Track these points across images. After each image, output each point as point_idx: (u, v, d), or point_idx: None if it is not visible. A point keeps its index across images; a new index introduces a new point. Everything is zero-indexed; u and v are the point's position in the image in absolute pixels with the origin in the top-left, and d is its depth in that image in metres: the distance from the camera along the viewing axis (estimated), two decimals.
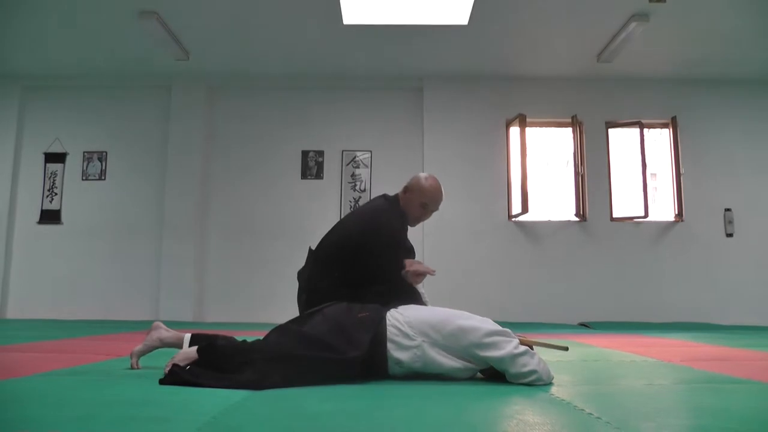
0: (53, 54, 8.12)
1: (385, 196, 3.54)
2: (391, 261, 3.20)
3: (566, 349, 2.84)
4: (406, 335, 2.58)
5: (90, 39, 7.65)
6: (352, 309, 2.69)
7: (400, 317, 2.63)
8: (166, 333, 2.79)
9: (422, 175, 3.53)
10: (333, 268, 3.27)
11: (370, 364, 2.53)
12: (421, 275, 3.28)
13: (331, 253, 3.32)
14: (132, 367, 2.84)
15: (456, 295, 8.02)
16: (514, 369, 2.49)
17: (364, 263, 3.20)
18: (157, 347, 2.81)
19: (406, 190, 3.44)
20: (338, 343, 2.49)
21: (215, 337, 2.62)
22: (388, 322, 2.61)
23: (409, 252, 3.44)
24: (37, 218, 8.67)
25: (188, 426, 1.70)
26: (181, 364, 2.45)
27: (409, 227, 3.52)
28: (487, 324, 2.58)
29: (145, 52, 7.97)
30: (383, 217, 3.29)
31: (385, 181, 8.55)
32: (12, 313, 8.42)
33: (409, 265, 3.21)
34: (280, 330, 2.62)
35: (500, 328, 2.56)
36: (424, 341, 2.57)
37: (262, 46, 7.75)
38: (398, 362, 2.58)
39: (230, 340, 2.57)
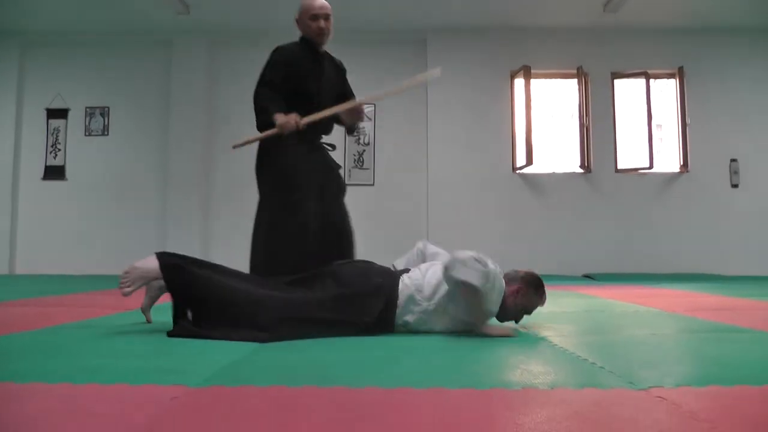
0: (53, 9, 8.01)
1: None
2: (259, 79, 3.34)
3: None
4: (416, 301, 2.63)
5: None
6: (368, 274, 2.71)
7: (410, 283, 2.66)
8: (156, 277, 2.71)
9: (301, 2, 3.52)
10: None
11: (378, 325, 2.60)
12: (359, 113, 3.57)
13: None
14: (148, 322, 2.86)
15: (461, 246, 8.05)
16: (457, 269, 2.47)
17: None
18: (160, 294, 2.82)
19: (297, 22, 3.47)
20: (352, 309, 2.57)
21: (188, 262, 2.63)
22: (399, 288, 2.64)
23: (305, 80, 3.40)
24: (42, 174, 8.68)
25: (197, 376, 1.73)
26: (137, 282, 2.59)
27: (318, 47, 3.49)
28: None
29: (146, 7, 7.86)
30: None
31: (388, 134, 8.52)
32: (20, 268, 8.49)
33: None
34: (287, 287, 2.65)
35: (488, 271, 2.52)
36: (429, 306, 2.61)
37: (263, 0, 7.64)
38: (405, 324, 2.64)
39: (207, 275, 2.58)
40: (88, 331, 2.70)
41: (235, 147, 3.26)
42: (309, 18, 3.38)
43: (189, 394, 1.53)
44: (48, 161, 8.69)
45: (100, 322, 3.08)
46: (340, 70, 3.67)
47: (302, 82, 3.34)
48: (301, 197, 3.22)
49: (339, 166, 3.57)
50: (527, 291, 2.69)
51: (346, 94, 3.66)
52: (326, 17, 3.40)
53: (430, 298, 2.62)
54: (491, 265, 2.55)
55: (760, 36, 8.50)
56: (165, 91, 8.63)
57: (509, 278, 2.72)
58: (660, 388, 1.60)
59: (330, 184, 3.42)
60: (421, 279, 2.68)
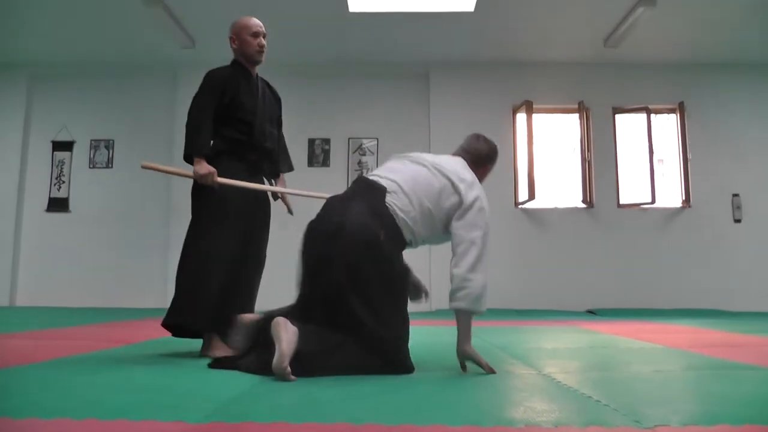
0: (60, 42, 8.11)
1: None
2: (193, 105, 3.22)
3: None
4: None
5: (97, 27, 7.63)
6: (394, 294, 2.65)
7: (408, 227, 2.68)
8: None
9: (233, 22, 3.51)
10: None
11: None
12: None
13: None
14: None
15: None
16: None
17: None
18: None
19: (232, 39, 3.44)
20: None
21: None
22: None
23: (246, 108, 3.33)
24: (45, 206, 8.70)
25: (197, 412, 1.71)
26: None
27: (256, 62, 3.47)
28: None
29: (151, 40, 7.95)
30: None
31: None
32: (21, 300, 8.46)
33: None
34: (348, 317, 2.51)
35: None
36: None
37: (269, 34, 7.70)
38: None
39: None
40: (88, 365, 2.68)
41: (144, 167, 3.22)
42: (250, 35, 3.38)
43: (189, 431, 1.51)
44: (52, 193, 8.71)
45: (100, 355, 3.06)
46: (275, 94, 3.64)
47: (239, 105, 3.28)
48: (232, 222, 3.20)
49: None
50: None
51: (280, 119, 3.68)
52: (264, 35, 3.44)
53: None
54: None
55: (761, 71, 8.56)
56: (169, 124, 8.68)
57: (473, 160, 2.98)
58: (666, 427, 1.58)
59: (260, 213, 3.39)
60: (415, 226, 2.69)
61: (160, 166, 3.27)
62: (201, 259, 3.14)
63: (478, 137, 3.07)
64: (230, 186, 3.16)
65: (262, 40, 3.41)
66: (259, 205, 3.38)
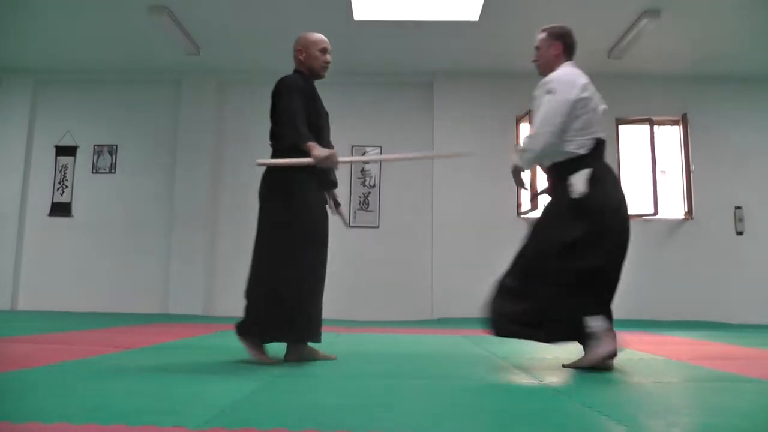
0: (65, 48, 8.14)
1: None
2: (285, 103, 3.20)
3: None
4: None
5: (101, 33, 7.66)
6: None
7: None
8: None
9: (301, 35, 3.53)
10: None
11: None
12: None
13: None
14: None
15: (465, 290, 8.03)
16: None
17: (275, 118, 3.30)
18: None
19: (300, 51, 3.46)
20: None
21: None
22: None
23: (319, 116, 3.38)
24: (48, 210, 8.71)
25: (196, 418, 1.71)
26: None
27: (316, 80, 3.51)
28: None
29: (156, 47, 7.98)
30: (279, 79, 3.34)
31: (394, 177, 8.55)
32: (23, 304, 8.47)
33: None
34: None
35: None
36: None
37: (273, 41, 7.74)
38: None
39: None
40: (88, 370, 2.68)
41: (259, 164, 3.21)
42: (319, 50, 3.42)
43: None
44: (55, 198, 8.73)
45: (100, 360, 3.06)
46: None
47: (313, 111, 3.32)
48: (321, 233, 3.23)
49: None
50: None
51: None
52: (330, 52, 3.46)
53: None
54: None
55: (765, 84, 8.56)
56: (173, 130, 8.71)
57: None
58: None
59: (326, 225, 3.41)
60: None
61: (276, 161, 3.19)
62: (308, 272, 3.12)
63: None
64: (314, 194, 3.24)
65: (329, 56, 3.45)
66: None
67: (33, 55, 8.36)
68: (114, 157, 8.78)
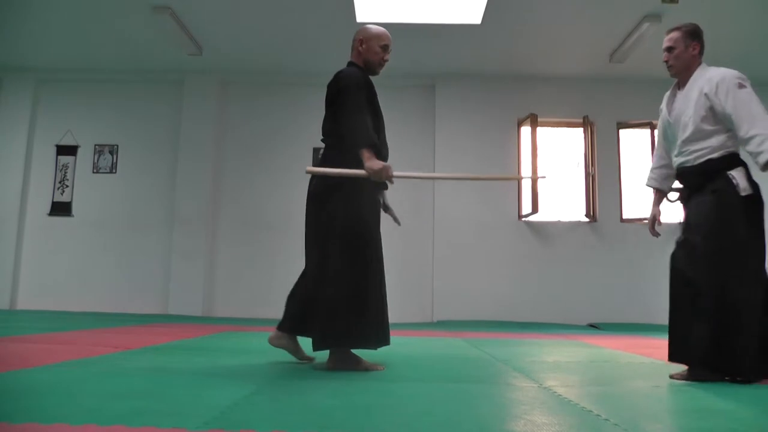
0: (67, 47, 8.14)
1: None
2: (353, 101, 3.06)
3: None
4: None
5: (103, 33, 7.67)
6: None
7: None
8: None
9: (367, 26, 3.39)
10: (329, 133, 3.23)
11: None
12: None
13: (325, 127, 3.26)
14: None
15: (465, 292, 8.04)
16: None
17: (335, 114, 3.15)
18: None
19: (361, 42, 3.31)
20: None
21: None
22: None
23: (377, 116, 3.23)
24: (48, 210, 8.71)
25: (196, 419, 1.71)
26: None
27: (374, 77, 3.33)
28: None
29: (158, 47, 7.99)
30: (340, 72, 3.21)
31: (395, 180, 8.52)
32: (22, 303, 8.46)
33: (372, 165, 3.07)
34: None
35: None
36: None
37: (275, 43, 7.75)
38: None
39: None
40: (87, 370, 2.68)
41: (308, 172, 3.15)
42: (380, 46, 3.28)
43: None
44: (55, 197, 8.72)
45: (99, 360, 3.06)
46: None
47: (372, 115, 3.16)
48: (377, 235, 3.15)
49: None
50: None
51: None
52: (390, 51, 3.34)
53: None
54: None
55: (764, 89, 8.54)
56: (175, 131, 8.71)
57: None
58: None
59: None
60: None
61: (326, 170, 3.04)
62: (379, 282, 3.04)
63: None
64: (375, 200, 3.17)
65: (388, 55, 3.32)
66: None
67: (34, 54, 8.37)
68: (115, 156, 8.78)
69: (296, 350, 3.20)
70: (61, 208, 8.69)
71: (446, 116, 8.59)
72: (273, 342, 3.18)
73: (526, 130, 8.47)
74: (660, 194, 3.53)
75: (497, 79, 8.62)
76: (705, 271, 2.93)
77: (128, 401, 1.98)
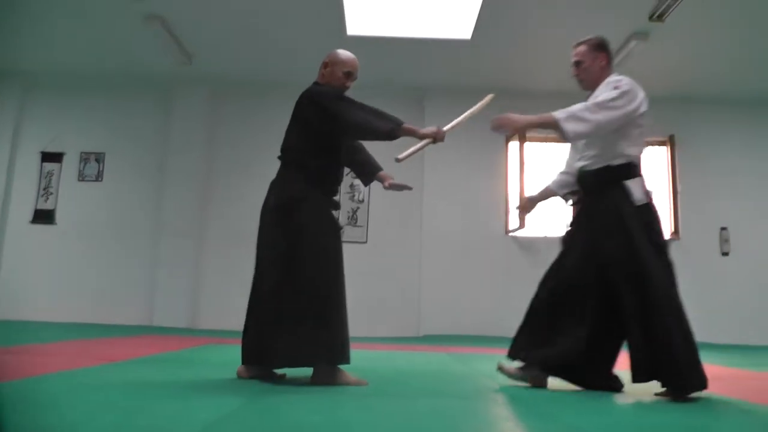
0: (55, 53, 8.09)
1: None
2: (339, 103, 3.16)
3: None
4: None
5: (94, 39, 7.63)
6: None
7: None
8: None
9: (337, 50, 3.47)
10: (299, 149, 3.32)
11: None
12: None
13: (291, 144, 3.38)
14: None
15: (452, 307, 8.03)
16: None
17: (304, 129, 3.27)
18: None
19: (326, 65, 3.39)
20: None
21: None
22: None
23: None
24: (30, 217, 8.61)
25: None
26: None
27: None
28: None
29: (148, 55, 7.95)
30: (309, 89, 3.31)
31: (383, 192, 8.53)
32: (2, 314, 8.33)
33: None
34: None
35: None
36: None
37: (265, 53, 7.75)
38: None
39: None
40: (69, 383, 2.64)
41: (399, 161, 3.17)
42: (344, 72, 3.35)
43: None
44: (38, 204, 8.63)
45: (82, 373, 3.02)
46: None
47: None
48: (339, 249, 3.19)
49: None
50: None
51: None
52: (354, 79, 3.38)
53: None
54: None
55: (751, 106, 8.65)
56: (162, 140, 8.66)
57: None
58: None
59: None
60: None
61: (411, 150, 3.27)
62: (342, 296, 3.11)
63: None
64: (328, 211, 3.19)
65: (350, 83, 3.37)
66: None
67: (22, 59, 8.31)
68: (101, 165, 8.72)
69: (267, 374, 3.08)
70: (43, 216, 8.60)
71: None
72: (243, 375, 3.07)
73: (514, 146, 8.50)
74: (552, 194, 3.68)
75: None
76: (595, 276, 3.23)
77: (112, 415, 1.96)
